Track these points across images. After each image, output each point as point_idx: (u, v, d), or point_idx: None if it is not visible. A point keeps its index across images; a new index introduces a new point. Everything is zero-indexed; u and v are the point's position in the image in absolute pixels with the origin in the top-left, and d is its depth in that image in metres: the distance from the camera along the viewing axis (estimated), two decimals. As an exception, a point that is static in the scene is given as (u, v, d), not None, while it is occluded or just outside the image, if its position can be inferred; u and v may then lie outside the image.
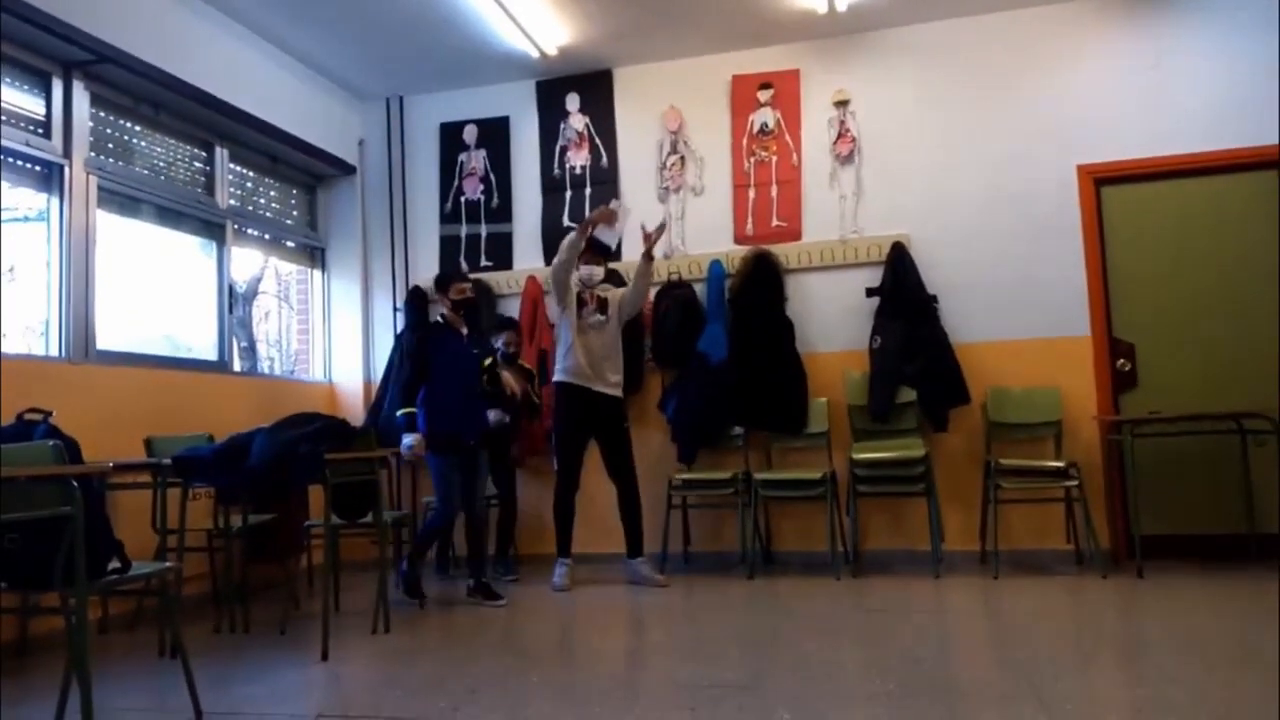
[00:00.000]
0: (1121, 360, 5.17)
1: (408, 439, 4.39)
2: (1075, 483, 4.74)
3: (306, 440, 3.68)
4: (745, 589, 4.65)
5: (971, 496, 5.14)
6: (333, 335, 6.29)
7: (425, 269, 6.24)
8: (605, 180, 6.01)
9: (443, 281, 4.77)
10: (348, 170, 6.26)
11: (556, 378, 5.01)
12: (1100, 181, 5.26)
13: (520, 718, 2.75)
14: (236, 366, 5.68)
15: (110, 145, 4.69)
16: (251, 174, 5.76)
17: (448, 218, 6.29)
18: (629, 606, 4.38)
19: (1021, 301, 5.26)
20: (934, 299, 5.30)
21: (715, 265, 5.62)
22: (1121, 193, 5.26)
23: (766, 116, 5.79)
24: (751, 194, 5.78)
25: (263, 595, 4.82)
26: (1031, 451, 5.08)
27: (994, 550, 4.86)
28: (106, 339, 4.54)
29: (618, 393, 4.99)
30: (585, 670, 3.27)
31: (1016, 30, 5.40)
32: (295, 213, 6.16)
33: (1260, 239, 5.03)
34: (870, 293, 5.40)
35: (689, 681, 2.96)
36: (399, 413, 4.48)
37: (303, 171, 6.16)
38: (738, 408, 5.36)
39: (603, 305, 5.00)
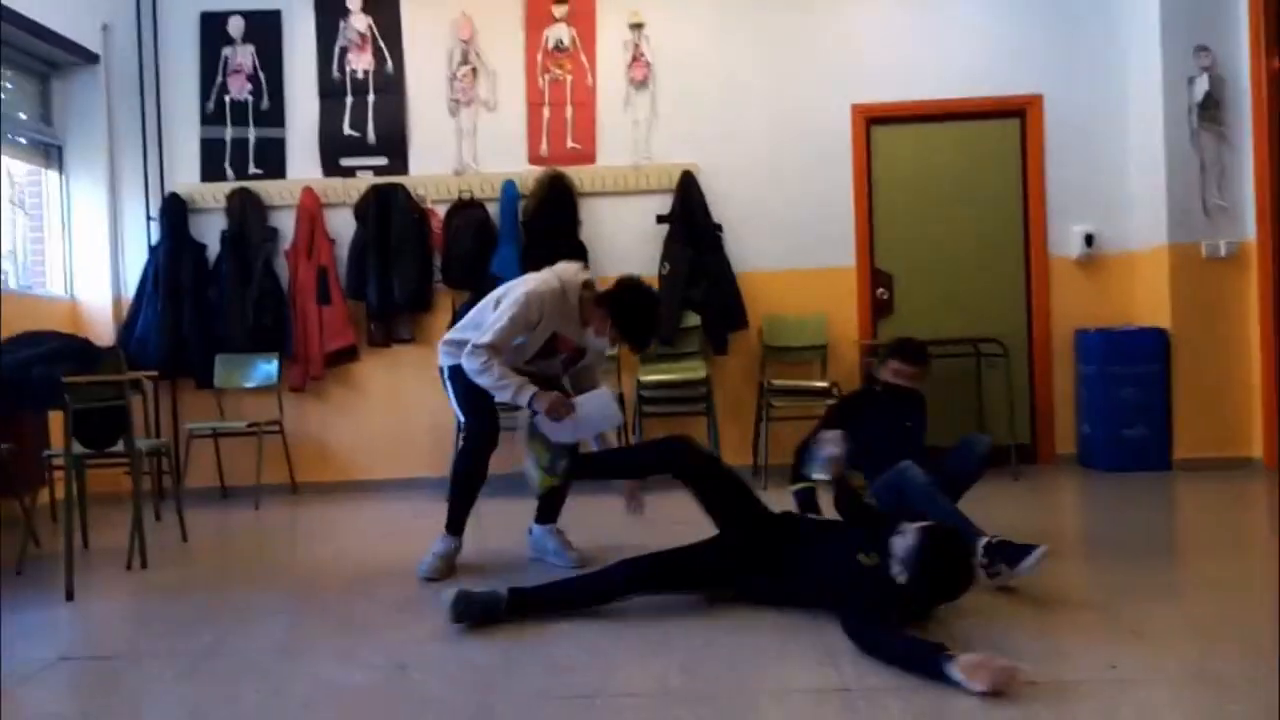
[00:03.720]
0: (881, 289, 5.61)
1: None
2: (835, 401, 5.12)
3: (40, 362, 3.29)
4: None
5: (746, 414, 5.44)
6: (74, 246, 5.60)
7: (185, 174, 5.67)
8: (390, 89, 5.67)
9: None
10: (90, 59, 5.50)
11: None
12: (871, 121, 5.60)
13: (293, 649, 2.66)
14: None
15: None
16: (-37, 53, 4.93)
17: (210, 118, 5.71)
18: (412, 529, 4.30)
19: (797, 233, 5.55)
20: (719, 228, 5.48)
21: (509, 186, 5.50)
22: (890, 133, 5.63)
23: (562, 33, 5.66)
24: (546, 113, 5.67)
25: (-5, 533, 4.32)
26: (800, 373, 5.44)
27: (764, 464, 5.20)
28: None
29: None
30: (362, 597, 3.21)
31: (803, -33, 5.57)
32: (25, 105, 5.37)
33: (1005, 182, 5.57)
34: (660, 220, 5.50)
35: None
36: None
37: (34, 57, 5.35)
38: (528, 330, 5.33)
39: (574, 358, 3.63)
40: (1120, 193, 5.46)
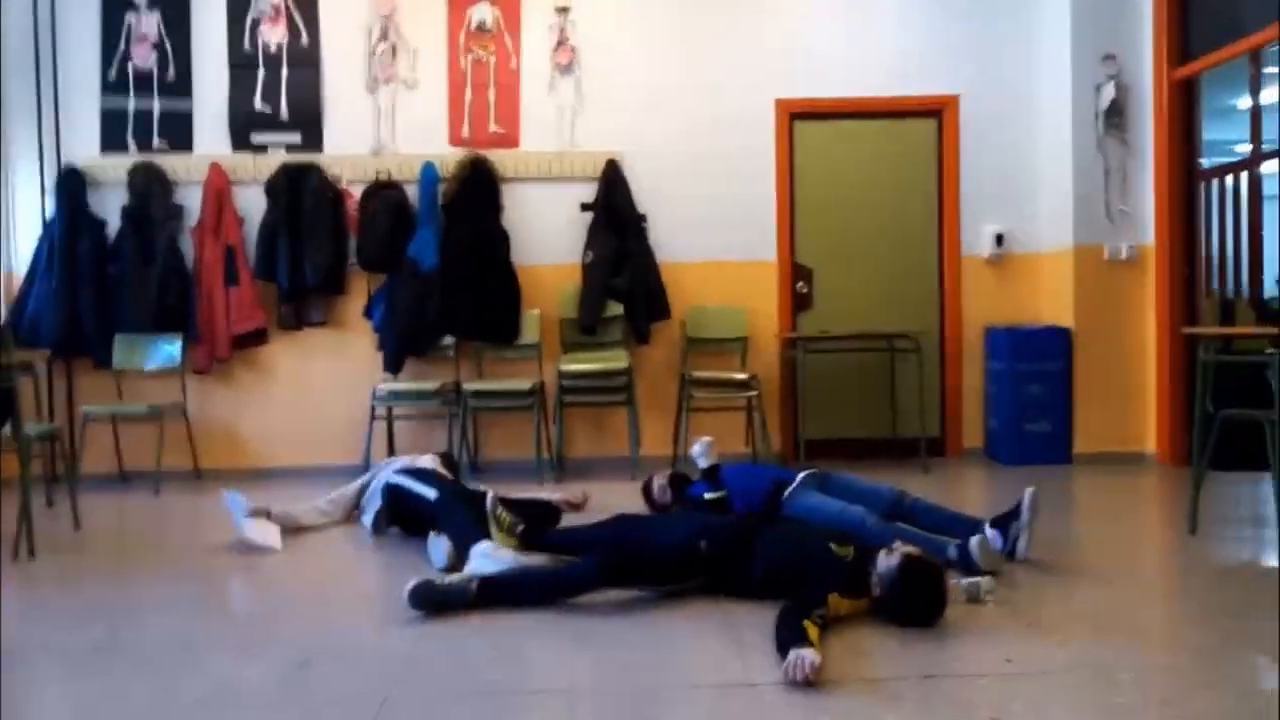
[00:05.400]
0: (800, 283, 5.68)
1: None
2: (755, 393, 5.20)
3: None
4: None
5: (668, 404, 5.45)
6: (-41, 217, 5.27)
7: (83, 145, 5.38)
8: (305, 62, 5.48)
9: None
10: (-23, 17, 5.17)
11: None
12: (795, 116, 5.65)
13: (190, 643, 2.56)
14: None
15: None
16: None
17: (111, 87, 5.43)
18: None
19: (721, 225, 5.56)
20: (643, 218, 5.46)
21: (428, 168, 5.37)
22: (812, 128, 5.69)
23: (485, 13, 5.54)
24: (468, 94, 5.55)
25: None
26: (721, 364, 5.46)
27: (684, 454, 5.21)
28: None
29: None
30: (265, 588, 3.11)
31: (731, -41, 5.58)
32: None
33: (922, 180, 5.70)
34: (585, 208, 5.45)
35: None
36: None
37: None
38: (449, 317, 5.24)
39: None
40: (1029, 194, 5.64)
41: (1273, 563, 3.23)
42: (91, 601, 2.95)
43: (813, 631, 2.31)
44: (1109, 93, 5.33)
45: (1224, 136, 6.58)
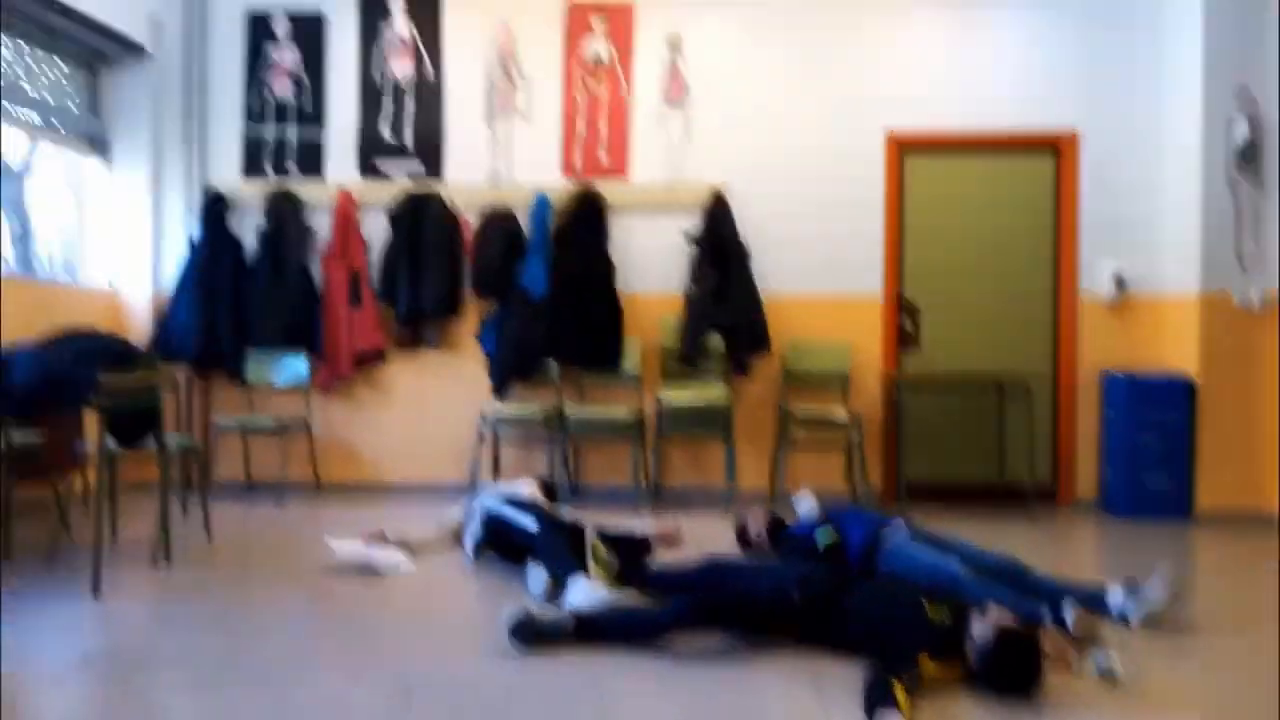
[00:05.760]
0: (907, 320, 5.60)
1: None
2: (856, 432, 5.15)
3: (79, 361, 3.39)
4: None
5: (765, 439, 5.46)
6: (116, 237, 5.73)
7: (225, 169, 5.78)
8: (429, 94, 5.74)
9: None
10: (136, 51, 5.62)
11: None
12: (905, 149, 5.58)
13: (303, 661, 2.74)
14: (6, 255, 5.07)
15: None
16: (22, 45, 5.06)
17: (253, 115, 5.83)
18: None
19: (826, 259, 5.54)
20: (748, 251, 5.49)
21: (540, 199, 5.54)
22: (923, 161, 5.61)
23: (600, 47, 5.70)
24: (580, 126, 5.71)
25: (29, 517, 4.44)
26: (821, 399, 5.44)
27: (781, 488, 5.22)
28: None
29: None
30: (377, 608, 3.28)
31: (846, -7, 5.57)
32: (74, 95, 5.50)
33: (1037, 217, 5.54)
34: (690, 239, 5.52)
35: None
36: None
37: (84, 47, 5.48)
38: (554, 342, 5.39)
39: None
40: (1153, 235, 5.40)
41: None
42: (218, 613, 3.18)
43: (901, 694, 2.30)
44: (1242, 128, 5.06)
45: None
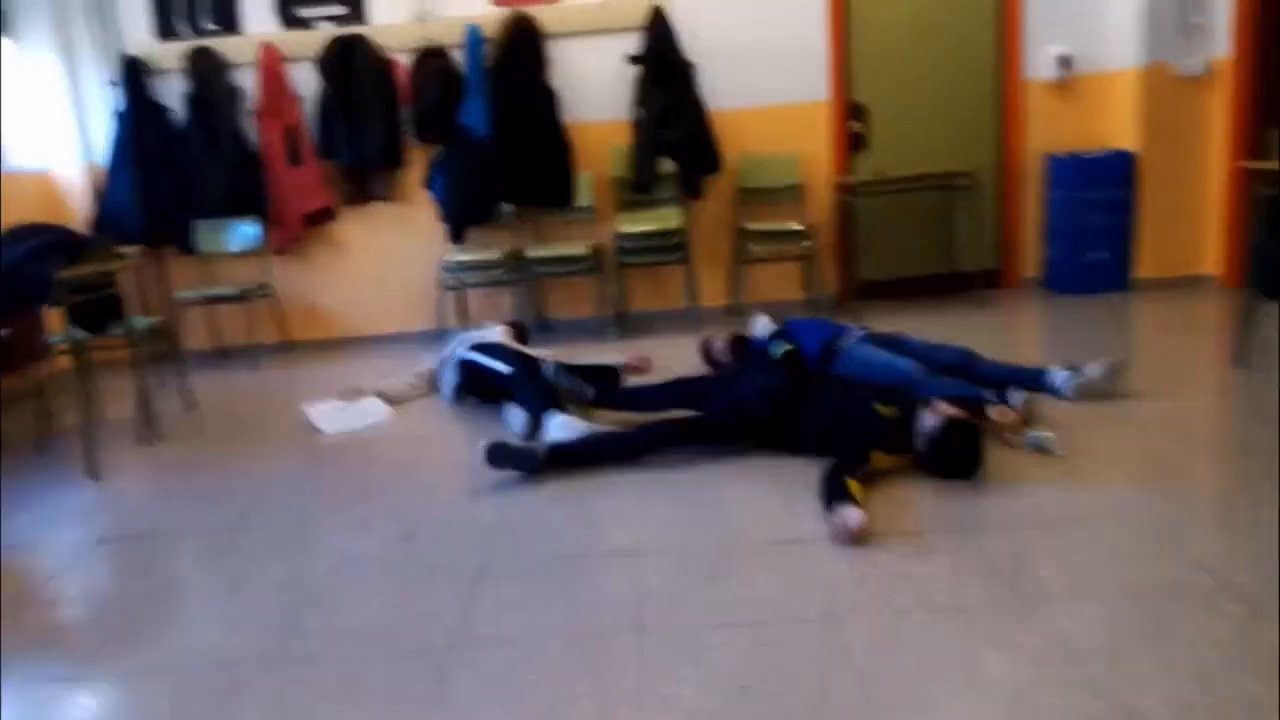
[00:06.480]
0: (855, 122, 5.58)
1: None
2: (810, 243, 5.26)
3: (34, 260, 3.39)
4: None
5: (723, 258, 5.57)
6: (37, 116, 5.47)
7: (138, 32, 5.47)
8: (340, -73, 5.36)
9: None
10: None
11: None
12: (846, -58, 5.36)
13: (311, 520, 2.94)
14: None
15: None
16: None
17: (156, -31, 5.44)
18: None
19: (772, 67, 5.44)
20: (692, 66, 5.36)
21: (472, 31, 5.32)
22: (865, -46, 5.41)
23: None
24: (505, -54, 5.39)
25: (9, 409, 4.53)
26: (775, 213, 5.50)
27: (742, 304, 5.39)
28: None
29: None
30: (356, 463, 3.47)
31: None
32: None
33: (981, 3, 5.42)
34: (632, 60, 5.37)
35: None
36: None
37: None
38: (505, 185, 5.34)
39: None
40: (1097, 10, 5.33)
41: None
42: (219, 484, 3.33)
43: (855, 488, 2.55)
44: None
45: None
